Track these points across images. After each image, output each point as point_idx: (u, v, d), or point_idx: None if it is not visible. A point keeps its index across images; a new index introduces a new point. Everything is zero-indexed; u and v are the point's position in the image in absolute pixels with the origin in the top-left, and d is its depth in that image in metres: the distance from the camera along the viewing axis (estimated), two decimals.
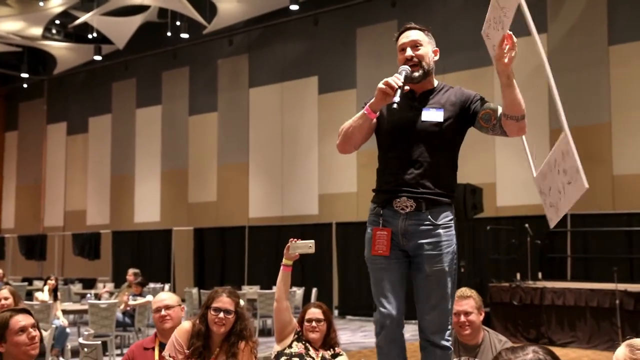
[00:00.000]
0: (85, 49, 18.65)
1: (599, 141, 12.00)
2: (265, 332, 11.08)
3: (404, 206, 2.88)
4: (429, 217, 2.88)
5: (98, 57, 18.46)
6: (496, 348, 3.46)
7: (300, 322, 3.74)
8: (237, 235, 16.59)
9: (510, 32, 2.64)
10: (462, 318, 3.47)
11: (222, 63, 17.78)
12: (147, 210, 18.99)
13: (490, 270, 12.10)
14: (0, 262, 21.20)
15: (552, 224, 2.87)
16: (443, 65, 12.71)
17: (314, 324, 3.68)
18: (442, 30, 12.30)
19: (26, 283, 15.22)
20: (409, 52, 2.92)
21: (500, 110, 2.79)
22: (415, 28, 2.99)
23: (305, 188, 15.79)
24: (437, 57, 3.00)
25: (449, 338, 2.91)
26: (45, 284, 9.74)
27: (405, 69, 2.86)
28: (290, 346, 3.66)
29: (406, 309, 2.94)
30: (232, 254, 16.69)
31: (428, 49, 2.95)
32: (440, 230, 2.88)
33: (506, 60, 2.61)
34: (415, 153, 2.88)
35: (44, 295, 9.32)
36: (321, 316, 3.69)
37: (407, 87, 2.87)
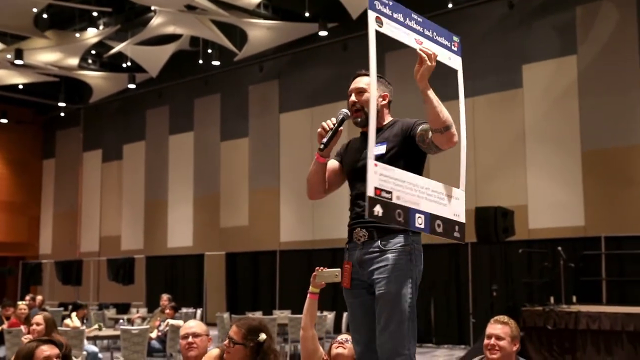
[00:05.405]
0: (119, 78, 19.09)
1: (633, 163, 11.86)
2: (296, 357, 11.07)
3: (359, 236, 3.06)
4: (379, 244, 3.00)
5: (132, 86, 18.86)
6: None
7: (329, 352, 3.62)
8: (269, 259, 16.67)
9: (422, 47, 2.83)
10: (493, 341, 3.46)
11: (252, 89, 18.01)
12: (180, 235, 19.19)
13: (523, 294, 11.96)
14: (38, 288, 21.58)
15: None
16: (472, 88, 12.79)
17: (342, 341, 3.54)
18: (471, 54, 12.34)
19: (62, 308, 15.44)
20: (353, 97, 3.15)
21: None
22: (365, 75, 3.17)
23: (336, 212, 15.80)
24: (385, 101, 3.20)
25: None
26: (72, 311, 9.96)
27: (343, 112, 3.09)
28: None
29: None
30: (264, 279, 16.75)
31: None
32: (389, 255, 2.97)
33: (418, 76, 2.80)
34: (364, 187, 3.00)
35: (74, 322, 9.47)
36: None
37: (341, 129, 3.04)
